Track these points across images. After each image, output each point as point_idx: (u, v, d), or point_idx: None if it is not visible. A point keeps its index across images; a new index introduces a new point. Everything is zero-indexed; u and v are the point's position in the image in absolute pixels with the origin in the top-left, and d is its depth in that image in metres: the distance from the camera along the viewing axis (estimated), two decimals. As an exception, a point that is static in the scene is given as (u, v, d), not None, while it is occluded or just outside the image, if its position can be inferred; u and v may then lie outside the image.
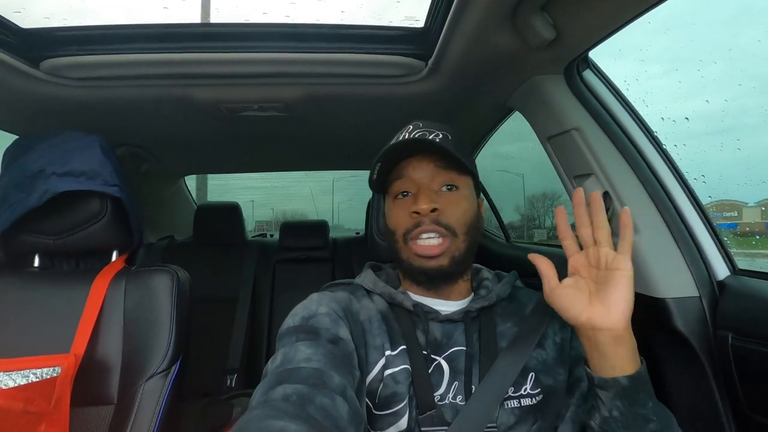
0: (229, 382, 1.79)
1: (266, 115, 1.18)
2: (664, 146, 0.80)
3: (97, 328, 0.90)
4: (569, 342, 0.67)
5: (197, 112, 1.16)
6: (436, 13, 0.82)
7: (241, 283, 2.01)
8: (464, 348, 0.63)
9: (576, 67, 0.81)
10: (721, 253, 0.77)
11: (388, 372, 0.61)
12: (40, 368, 0.85)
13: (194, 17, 0.87)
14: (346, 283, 0.78)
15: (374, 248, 0.94)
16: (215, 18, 0.88)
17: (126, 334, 0.90)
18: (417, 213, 0.62)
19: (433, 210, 0.62)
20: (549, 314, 0.65)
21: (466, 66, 0.89)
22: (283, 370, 0.53)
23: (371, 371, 0.61)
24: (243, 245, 2.14)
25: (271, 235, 2.50)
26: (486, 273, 0.74)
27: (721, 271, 0.75)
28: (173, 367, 0.87)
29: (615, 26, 0.65)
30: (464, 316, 0.65)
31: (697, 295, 0.74)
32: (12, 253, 0.98)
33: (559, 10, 0.66)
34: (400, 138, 0.67)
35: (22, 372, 0.84)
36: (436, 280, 0.65)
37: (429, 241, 0.62)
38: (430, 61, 0.92)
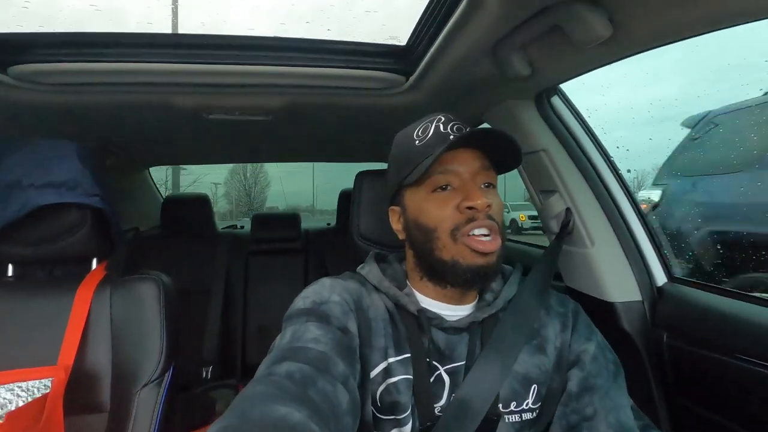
0: (204, 374, 1.81)
1: (246, 119, 1.19)
2: (620, 171, 0.91)
3: (85, 338, 0.90)
4: (569, 345, 0.65)
5: (174, 115, 1.15)
6: (421, 36, 0.86)
7: (213, 275, 2.01)
8: (464, 362, 0.62)
9: (546, 94, 0.89)
10: (660, 261, 0.89)
11: (390, 380, 0.60)
12: (26, 381, 0.85)
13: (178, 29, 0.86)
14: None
15: (354, 249, 0.97)
16: (199, 30, 0.87)
17: (115, 344, 0.91)
18: (471, 208, 0.59)
19: (488, 206, 0.59)
20: (542, 306, 0.66)
21: (445, 86, 0.94)
22: (290, 347, 0.53)
23: (371, 371, 0.60)
24: (214, 237, 2.13)
25: (242, 227, 2.49)
26: None
27: (660, 277, 0.88)
28: (166, 375, 0.90)
29: (585, 70, 0.73)
30: (470, 325, 0.63)
31: (640, 299, 0.86)
32: None
33: (536, 51, 0.72)
34: (431, 128, 0.64)
35: (6, 386, 0.84)
36: (481, 279, 0.61)
37: (484, 238, 0.59)
38: (412, 78, 0.97)
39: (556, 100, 0.92)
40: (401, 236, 0.70)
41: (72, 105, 1.02)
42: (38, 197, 0.86)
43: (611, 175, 0.91)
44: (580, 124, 0.92)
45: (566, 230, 0.92)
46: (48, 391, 0.83)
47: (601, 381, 0.62)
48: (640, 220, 0.90)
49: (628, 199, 0.90)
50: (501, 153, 0.63)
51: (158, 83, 0.93)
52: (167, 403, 0.89)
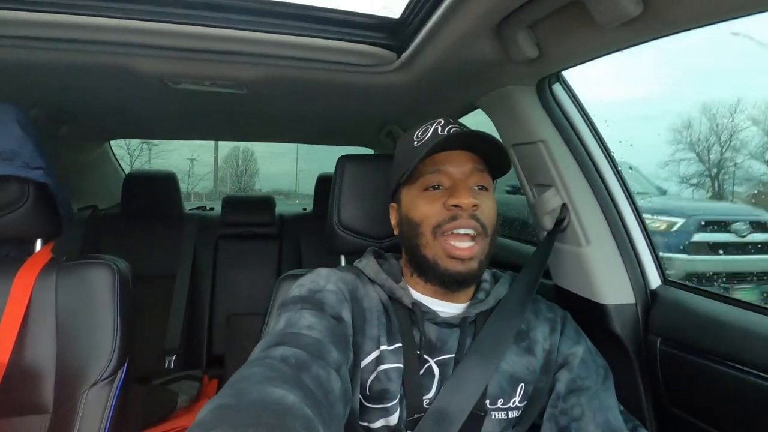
0: (167, 363, 1.71)
1: (219, 91, 1.08)
2: (619, 167, 0.86)
3: (24, 330, 0.79)
4: (557, 348, 0.66)
5: (134, 81, 1.02)
6: (417, 9, 0.78)
7: (179, 260, 1.89)
8: (454, 355, 0.63)
9: (548, 80, 0.83)
10: (655, 263, 0.86)
11: (382, 367, 0.61)
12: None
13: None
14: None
15: (333, 238, 0.90)
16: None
17: (60, 337, 0.81)
18: (456, 206, 0.60)
19: (474, 206, 0.60)
20: (528, 309, 0.67)
21: (440, 66, 0.86)
22: (285, 332, 0.54)
23: (363, 360, 0.61)
24: (180, 219, 1.99)
25: (211, 209, 2.35)
26: (485, 274, 0.72)
27: (654, 280, 0.85)
28: (120, 372, 0.80)
29: (599, 54, 0.66)
30: (462, 321, 0.65)
31: (634, 302, 0.83)
32: None
33: (545, 31, 0.65)
34: (430, 130, 0.66)
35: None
36: (460, 284, 0.63)
37: (463, 242, 0.60)
38: (404, 56, 0.88)
39: (557, 88, 0.86)
40: (396, 232, 0.73)
41: (7, 62, 0.88)
42: (-34, 168, 0.74)
43: (610, 170, 0.86)
44: (581, 114, 0.86)
45: (560, 227, 0.87)
46: (-23, 391, 0.73)
47: (589, 383, 0.63)
48: (637, 219, 0.86)
49: (626, 196, 0.86)
50: (492, 156, 0.66)
51: (113, 42, 0.81)
52: (120, 402, 0.80)
